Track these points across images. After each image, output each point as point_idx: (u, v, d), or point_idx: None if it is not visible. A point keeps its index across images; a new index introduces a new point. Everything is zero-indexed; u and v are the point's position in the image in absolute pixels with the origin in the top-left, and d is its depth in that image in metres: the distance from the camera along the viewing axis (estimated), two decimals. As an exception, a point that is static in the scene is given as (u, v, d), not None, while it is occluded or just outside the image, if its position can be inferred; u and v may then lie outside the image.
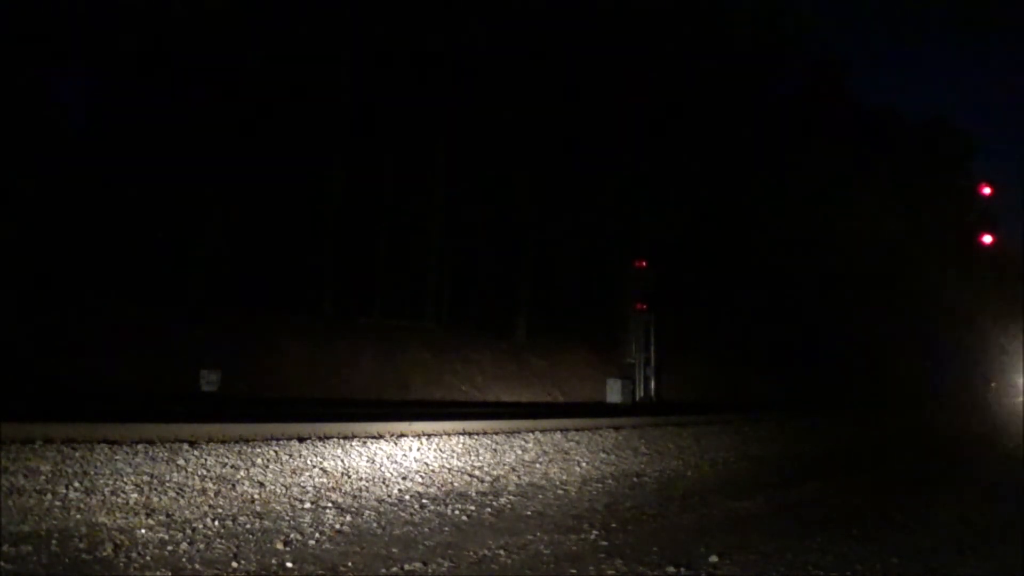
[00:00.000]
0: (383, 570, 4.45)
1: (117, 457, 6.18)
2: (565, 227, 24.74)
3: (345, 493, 6.19)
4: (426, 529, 5.41)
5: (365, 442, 7.88)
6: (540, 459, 8.46)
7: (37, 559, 4.14)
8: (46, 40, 17.33)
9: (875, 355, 31.16)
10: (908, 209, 33.10)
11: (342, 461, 7.07)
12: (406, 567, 4.50)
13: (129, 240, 18.60)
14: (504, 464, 7.99)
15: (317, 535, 5.02)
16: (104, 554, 4.30)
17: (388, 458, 7.42)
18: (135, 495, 5.40)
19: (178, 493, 5.59)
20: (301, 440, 7.63)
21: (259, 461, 6.67)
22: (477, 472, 7.50)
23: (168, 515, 5.11)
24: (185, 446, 6.78)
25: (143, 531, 4.75)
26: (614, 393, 19.30)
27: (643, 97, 24.56)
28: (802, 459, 10.99)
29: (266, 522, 5.20)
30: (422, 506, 6.05)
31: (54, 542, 4.39)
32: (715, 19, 28.06)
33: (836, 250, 30.27)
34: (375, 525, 5.40)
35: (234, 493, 5.79)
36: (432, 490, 6.64)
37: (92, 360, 14.03)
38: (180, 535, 4.73)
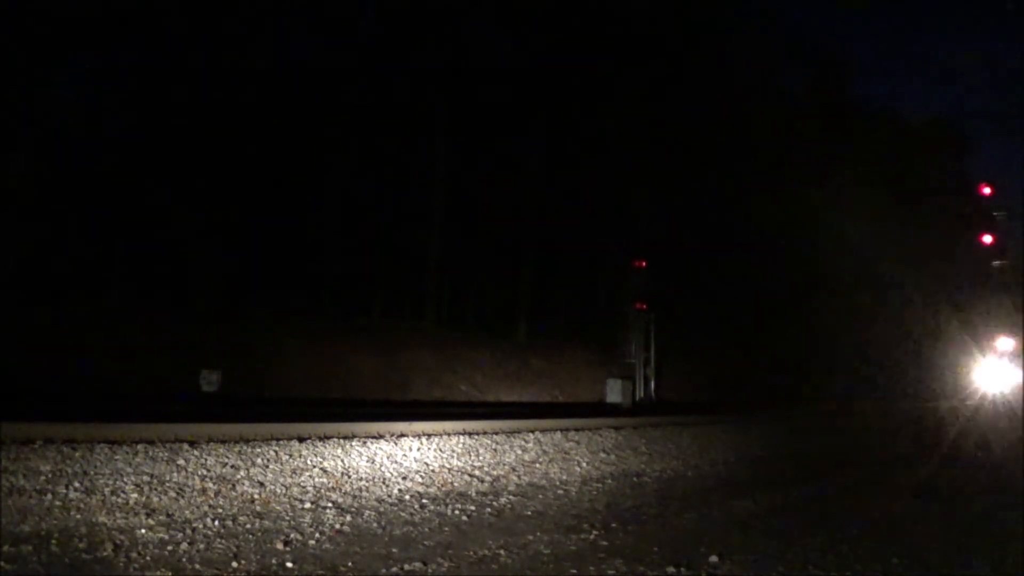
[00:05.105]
0: (383, 570, 4.45)
1: (117, 457, 6.18)
2: (565, 227, 24.73)
3: (345, 493, 6.19)
4: (426, 529, 5.41)
5: (365, 442, 7.88)
6: (540, 459, 8.45)
7: (37, 559, 4.14)
8: (42, 36, 17.29)
9: (876, 354, 31.14)
10: (908, 210, 33.08)
11: (342, 461, 7.08)
12: (406, 567, 4.50)
13: (129, 240, 18.60)
14: (504, 464, 7.99)
15: (317, 535, 5.02)
16: (104, 554, 4.30)
17: (388, 458, 7.42)
18: (135, 495, 5.41)
19: (178, 493, 5.59)
20: (301, 440, 7.63)
21: (259, 461, 6.67)
22: (477, 472, 7.49)
23: (168, 515, 5.11)
24: (185, 446, 6.78)
25: (143, 531, 4.75)
26: (614, 393, 19.28)
27: (643, 97, 24.56)
28: (802, 458, 10.99)
29: (266, 522, 5.20)
30: (422, 506, 6.05)
31: (54, 542, 4.39)
32: (716, 19, 28.08)
33: (835, 249, 30.25)
34: (375, 525, 5.40)
35: (234, 493, 5.79)
36: (432, 490, 6.63)
37: (92, 360, 14.02)
38: (180, 535, 4.73)
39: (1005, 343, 24.16)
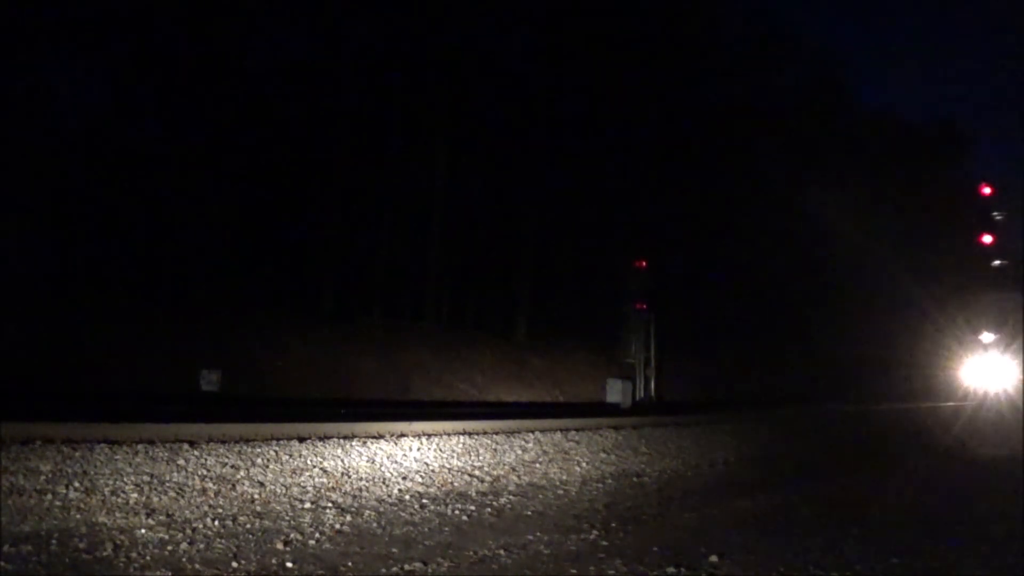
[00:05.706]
0: (383, 570, 4.45)
1: (117, 457, 6.18)
2: (565, 227, 24.74)
3: (345, 493, 6.19)
4: (426, 529, 5.41)
5: (365, 442, 7.88)
6: (540, 459, 8.45)
7: (37, 559, 4.14)
8: (44, 33, 17.27)
9: (877, 355, 31.14)
10: (907, 210, 33.09)
11: (342, 461, 7.07)
12: (406, 567, 4.50)
13: (129, 240, 18.60)
14: (504, 464, 7.99)
15: (317, 535, 5.02)
16: (104, 554, 4.30)
17: (388, 458, 7.42)
18: (135, 495, 5.41)
19: (178, 493, 5.59)
20: (301, 440, 7.63)
21: (259, 461, 6.67)
22: (477, 472, 7.49)
23: (168, 515, 5.11)
24: (185, 446, 6.78)
25: (143, 531, 4.75)
26: (614, 393, 19.26)
27: (643, 97, 24.57)
28: (802, 458, 10.99)
29: (266, 522, 5.20)
30: (422, 506, 6.05)
31: (54, 542, 4.39)
32: (716, 19, 28.09)
33: (834, 248, 30.27)
34: (375, 525, 5.40)
35: (234, 493, 5.79)
36: (432, 490, 6.63)
37: (93, 360, 14.02)
38: (180, 535, 4.73)
39: (1001, 338, 24.14)
